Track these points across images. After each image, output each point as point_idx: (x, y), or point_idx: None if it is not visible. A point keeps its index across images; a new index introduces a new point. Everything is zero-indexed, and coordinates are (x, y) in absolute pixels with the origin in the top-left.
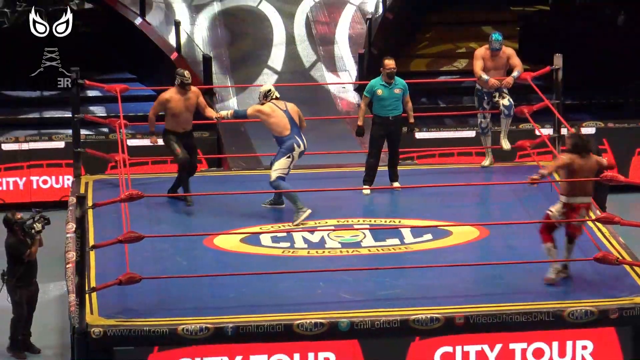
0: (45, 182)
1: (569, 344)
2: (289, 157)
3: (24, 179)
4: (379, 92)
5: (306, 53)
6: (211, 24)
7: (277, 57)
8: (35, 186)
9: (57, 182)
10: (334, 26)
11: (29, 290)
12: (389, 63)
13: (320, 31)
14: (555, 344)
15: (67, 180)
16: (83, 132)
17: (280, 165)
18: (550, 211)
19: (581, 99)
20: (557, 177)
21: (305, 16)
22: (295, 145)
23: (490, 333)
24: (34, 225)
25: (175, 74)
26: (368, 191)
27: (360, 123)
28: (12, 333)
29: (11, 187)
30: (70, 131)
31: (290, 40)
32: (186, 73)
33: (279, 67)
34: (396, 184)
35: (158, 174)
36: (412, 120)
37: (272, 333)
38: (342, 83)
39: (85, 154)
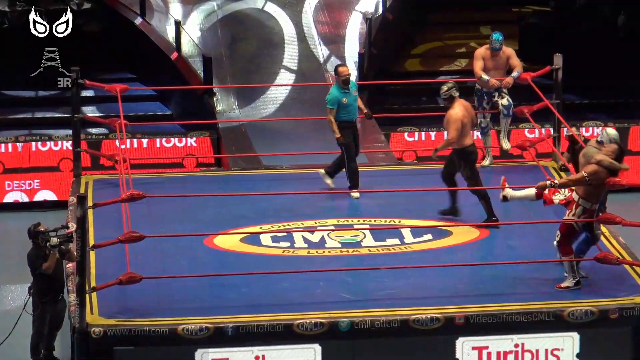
0: (44, 144)
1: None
2: None
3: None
4: (344, 100)
5: (307, 53)
6: (216, 25)
7: (285, 58)
8: (34, 148)
9: (55, 144)
10: (334, 26)
11: (54, 307)
12: (344, 70)
13: (321, 31)
14: None
15: (67, 142)
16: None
17: None
18: (573, 219)
19: (588, 98)
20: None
21: (305, 17)
22: None
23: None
24: (51, 238)
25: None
26: (357, 194)
27: (338, 135)
28: (32, 349)
29: (10, 150)
30: (62, 131)
31: (292, 41)
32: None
33: (293, 67)
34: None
35: (158, 173)
36: (366, 110)
37: (272, 333)
38: None
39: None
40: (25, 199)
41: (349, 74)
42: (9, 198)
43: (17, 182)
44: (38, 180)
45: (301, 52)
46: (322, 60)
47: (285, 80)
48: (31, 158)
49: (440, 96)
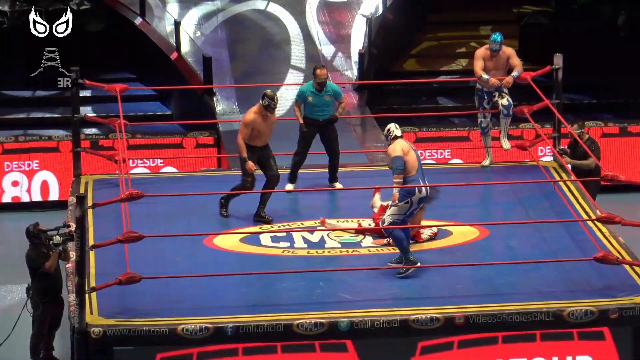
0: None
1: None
2: (407, 202)
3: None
4: (310, 99)
5: (310, 54)
6: (218, 27)
7: (292, 57)
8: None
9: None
10: (339, 26)
11: (55, 306)
12: (321, 73)
13: (324, 32)
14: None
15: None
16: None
17: (395, 210)
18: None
19: (597, 98)
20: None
21: (308, 17)
22: (416, 190)
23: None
24: (54, 237)
25: (265, 96)
26: (291, 187)
27: (301, 121)
28: (32, 349)
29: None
30: (62, 132)
31: (294, 41)
32: (275, 98)
33: (301, 66)
34: (338, 185)
35: (158, 173)
36: (336, 114)
37: (272, 333)
38: (342, 83)
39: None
40: (25, 180)
41: (325, 78)
42: (8, 179)
43: (16, 162)
44: (37, 161)
45: (303, 52)
46: (324, 60)
47: (293, 79)
48: (30, 142)
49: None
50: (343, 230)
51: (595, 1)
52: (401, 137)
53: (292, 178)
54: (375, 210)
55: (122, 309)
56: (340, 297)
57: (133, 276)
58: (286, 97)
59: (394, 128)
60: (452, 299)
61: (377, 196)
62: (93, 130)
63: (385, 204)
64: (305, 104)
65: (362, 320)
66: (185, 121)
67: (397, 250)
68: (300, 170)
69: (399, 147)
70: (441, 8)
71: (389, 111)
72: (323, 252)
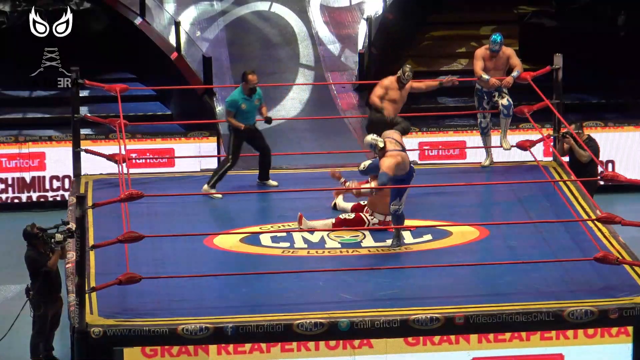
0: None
1: None
2: (399, 199)
3: None
4: (243, 106)
5: (306, 53)
6: (222, 29)
7: (286, 58)
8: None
9: None
10: (334, 26)
11: (55, 306)
12: (253, 78)
13: (320, 31)
14: None
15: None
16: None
17: (396, 203)
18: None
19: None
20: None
21: (307, 17)
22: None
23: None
24: (55, 235)
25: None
26: (220, 195)
27: (242, 125)
28: (32, 349)
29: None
30: (57, 132)
31: (291, 40)
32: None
33: (310, 65)
34: (273, 182)
35: (158, 173)
36: (265, 114)
37: (272, 333)
38: (342, 83)
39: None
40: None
41: (256, 83)
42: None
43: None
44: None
45: (304, 52)
46: (325, 60)
47: (299, 79)
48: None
49: None
50: (320, 230)
51: (595, 1)
52: (387, 146)
53: (215, 183)
54: (346, 213)
55: (122, 309)
56: (340, 297)
57: (133, 276)
58: (287, 97)
59: (372, 140)
60: (452, 299)
61: (340, 198)
62: (92, 131)
63: (347, 205)
64: (237, 112)
65: (362, 320)
66: (185, 121)
67: (396, 251)
68: (304, 171)
69: (393, 165)
70: (441, 8)
71: None
72: (323, 252)
